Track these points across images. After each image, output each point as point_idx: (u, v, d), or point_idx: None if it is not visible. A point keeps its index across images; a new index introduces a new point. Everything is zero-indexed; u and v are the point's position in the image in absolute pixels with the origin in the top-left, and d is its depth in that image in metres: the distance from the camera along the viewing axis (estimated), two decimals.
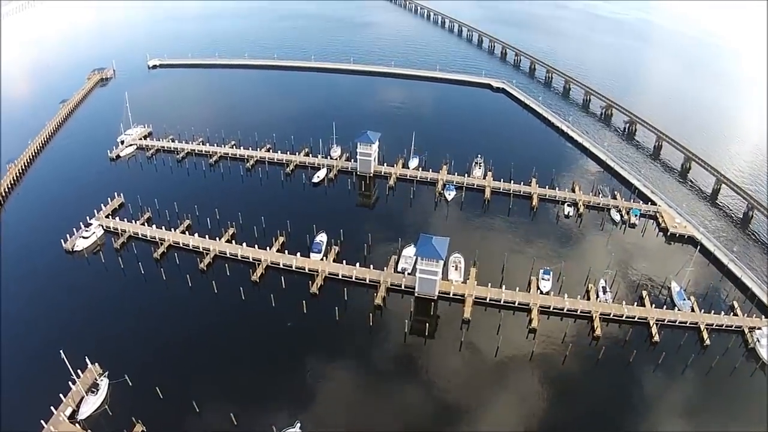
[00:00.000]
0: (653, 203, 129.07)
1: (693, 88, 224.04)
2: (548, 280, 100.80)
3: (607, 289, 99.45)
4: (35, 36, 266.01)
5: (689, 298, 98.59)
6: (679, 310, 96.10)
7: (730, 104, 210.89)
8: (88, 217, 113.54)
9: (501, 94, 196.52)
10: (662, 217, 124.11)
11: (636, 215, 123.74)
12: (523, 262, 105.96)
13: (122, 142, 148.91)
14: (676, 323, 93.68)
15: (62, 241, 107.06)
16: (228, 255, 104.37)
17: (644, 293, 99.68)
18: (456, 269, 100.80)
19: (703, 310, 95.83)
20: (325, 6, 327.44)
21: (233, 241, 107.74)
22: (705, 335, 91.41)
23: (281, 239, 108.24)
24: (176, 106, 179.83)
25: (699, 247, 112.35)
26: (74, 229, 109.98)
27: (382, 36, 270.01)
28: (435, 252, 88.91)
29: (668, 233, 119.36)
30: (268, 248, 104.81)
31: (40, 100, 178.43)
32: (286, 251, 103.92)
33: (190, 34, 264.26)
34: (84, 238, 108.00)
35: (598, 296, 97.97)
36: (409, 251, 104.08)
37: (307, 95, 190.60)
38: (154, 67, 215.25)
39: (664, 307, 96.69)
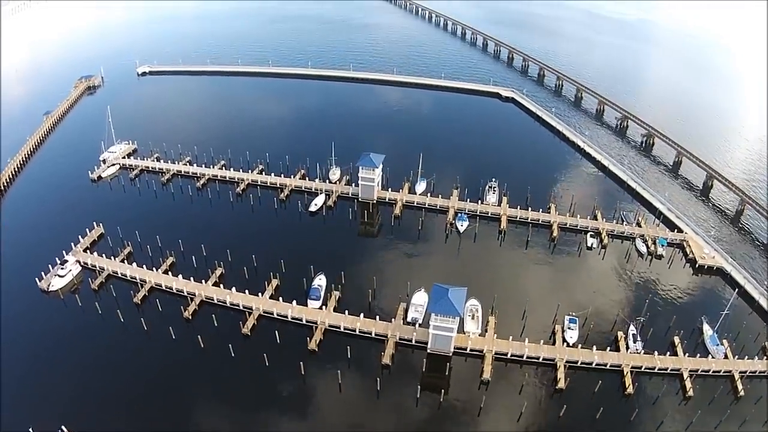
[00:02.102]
0: (679, 230, 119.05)
1: (707, 95, 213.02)
2: (574, 329, 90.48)
3: (638, 338, 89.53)
4: (27, 39, 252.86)
5: (722, 343, 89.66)
6: (712, 357, 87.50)
7: (746, 112, 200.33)
8: (64, 252, 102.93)
9: (510, 104, 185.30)
10: (689, 246, 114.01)
11: (662, 245, 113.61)
12: (546, 307, 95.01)
13: (104, 161, 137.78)
14: (710, 372, 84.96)
15: (37, 279, 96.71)
16: (215, 301, 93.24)
17: (676, 339, 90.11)
18: (473, 318, 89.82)
19: (736, 356, 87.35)
20: (321, 7, 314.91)
21: (221, 285, 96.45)
22: (739, 385, 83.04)
23: (275, 282, 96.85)
24: (163, 119, 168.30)
25: (729, 281, 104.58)
26: (50, 265, 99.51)
27: (382, 39, 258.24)
28: (451, 307, 78.00)
29: (696, 265, 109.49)
30: (260, 294, 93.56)
31: (24, 112, 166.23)
32: (281, 298, 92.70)
33: (182, 38, 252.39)
34: (60, 276, 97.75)
35: (628, 346, 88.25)
36: (420, 298, 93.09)
37: (303, 107, 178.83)
38: (144, 74, 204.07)
39: (698, 355, 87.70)
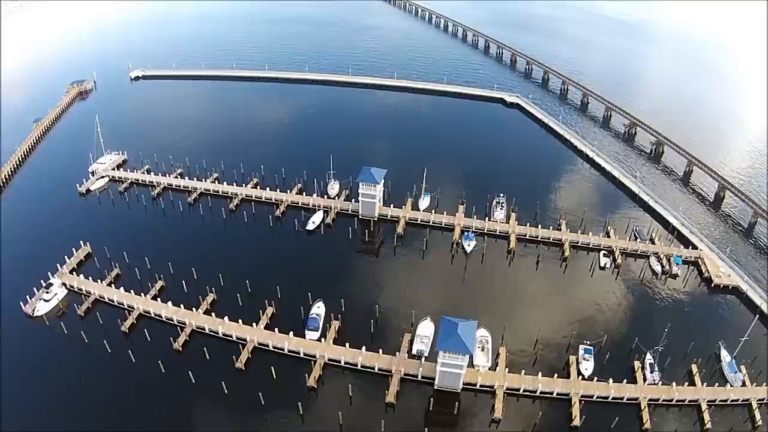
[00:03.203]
0: (694, 246, 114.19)
1: (712, 98, 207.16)
2: (590, 360, 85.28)
3: (655, 367, 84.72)
4: (22, 41, 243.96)
5: (740, 369, 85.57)
6: (730, 385, 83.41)
7: (753, 116, 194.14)
8: (50, 273, 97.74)
9: (515, 109, 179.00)
10: (704, 264, 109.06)
11: (677, 263, 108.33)
12: (559, 335, 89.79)
13: (93, 174, 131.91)
14: (728, 402, 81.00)
15: (22, 303, 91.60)
16: (207, 331, 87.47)
17: (694, 367, 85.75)
18: (482, 350, 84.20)
19: (754, 383, 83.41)
20: (319, 8, 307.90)
21: (213, 312, 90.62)
22: (757, 414, 79.38)
23: (270, 310, 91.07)
24: (155, 127, 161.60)
25: (745, 300, 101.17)
26: (35, 288, 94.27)
27: (382, 42, 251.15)
28: (461, 345, 72.29)
29: (712, 284, 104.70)
30: (254, 324, 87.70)
31: (15, 119, 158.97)
32: (276, 328, 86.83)
33: (177, 40, 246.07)
34: (45, 300, 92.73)
35: (645, 377, 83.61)
36: (425, 328, 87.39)
37: (300, 114, 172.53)
38: (137, 78, 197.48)
39: (716, 384, 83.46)
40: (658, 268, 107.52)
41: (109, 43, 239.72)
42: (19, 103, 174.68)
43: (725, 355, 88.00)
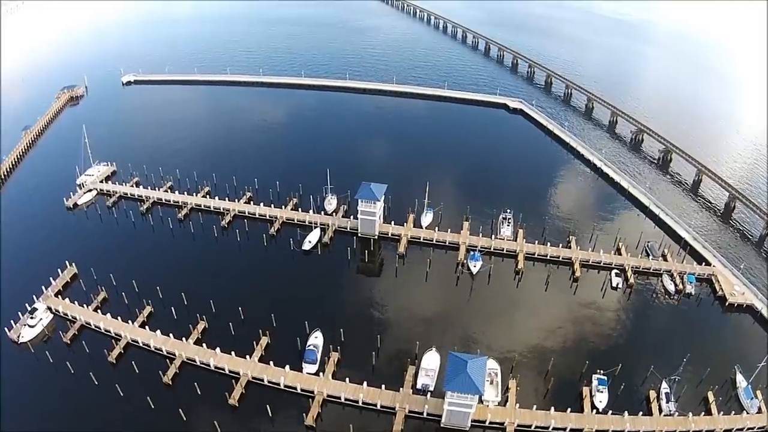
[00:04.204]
0: (707, 263, 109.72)
1: (716, 101, 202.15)
2: (603, 392, 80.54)
3: (671, 397, 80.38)
4: (18, 43, 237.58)
5: (756, 395, 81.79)
6: (746, 412, 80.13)
7: (760, 121, 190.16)
8: (35, 296, 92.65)
9: (518, 115, 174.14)
10: (718, 281, 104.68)
11: (691, 282, 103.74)
12: (572, 364, 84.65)
13: (80, 186, 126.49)
14: (744, 430, 78.14)
15: (6, 329, 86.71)
16: (198, 363, 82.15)
17: (710, 395, 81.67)
18: (491, 384, 79.04)
19: None
20: (316, 9, 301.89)
21: (204, 342, 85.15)
22: None
23: (264, 341, 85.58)
24: (144, 136, 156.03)
25: (759, 319, 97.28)
26: (19, 313, 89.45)
27: (380, 44, 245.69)
28: (471, 385, 67.22)
29: (726, 303, 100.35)
30: (248, 356, 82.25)
31: (4, 126, 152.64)
32: (272, 361, 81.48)
33: (170, 42, 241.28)
34: (30, 326, 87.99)
35: (660, 408, 79.14)
36: (430, 360, 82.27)
37: (296, 122, 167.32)
38: (129, 83, 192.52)
39: (732, 412, 79.86)
40: (671, 288, 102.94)
41: (104, 44, 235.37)
42: (14, 106, 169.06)
43: (741, 381, 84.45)
